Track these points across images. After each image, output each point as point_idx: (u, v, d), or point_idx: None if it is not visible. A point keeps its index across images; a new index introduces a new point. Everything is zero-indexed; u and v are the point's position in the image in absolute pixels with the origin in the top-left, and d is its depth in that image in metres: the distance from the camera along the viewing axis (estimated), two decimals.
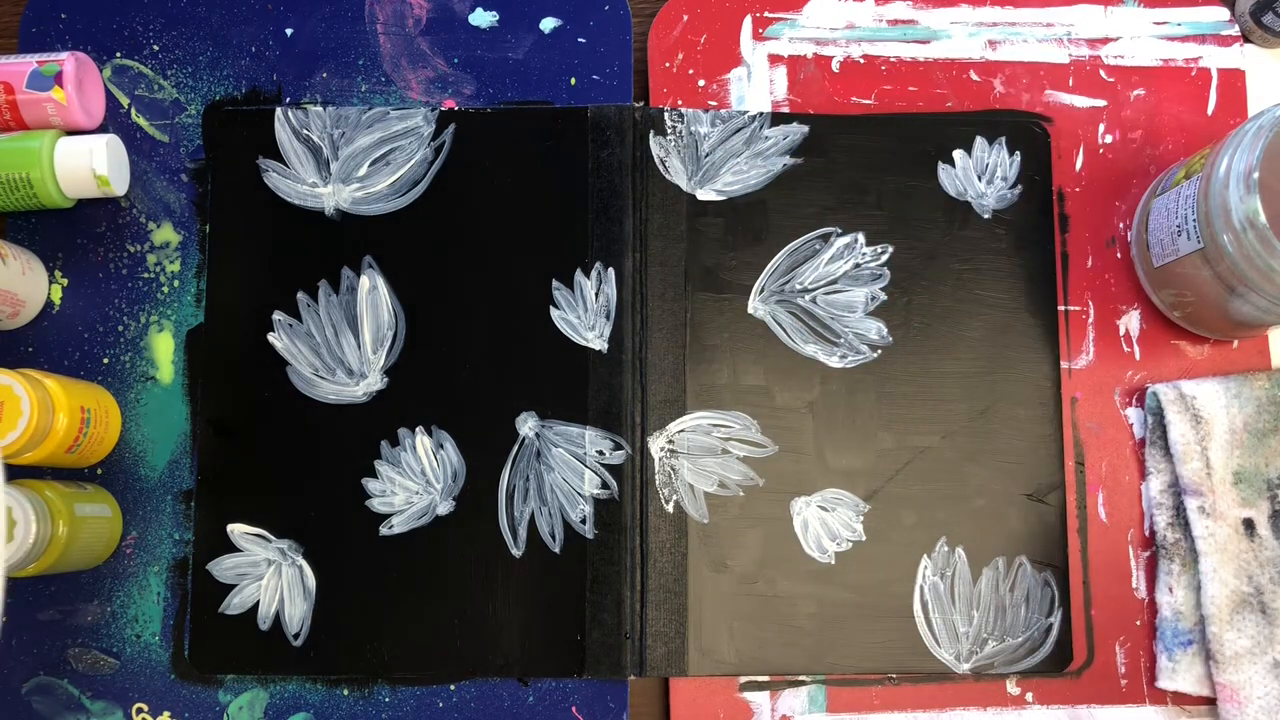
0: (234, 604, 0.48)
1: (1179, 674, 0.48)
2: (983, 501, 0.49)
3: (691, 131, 0.51)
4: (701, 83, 0.52)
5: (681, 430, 0.49)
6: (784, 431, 0.49)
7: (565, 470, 0.48)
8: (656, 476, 0.49)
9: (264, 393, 0.49)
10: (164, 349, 0.50)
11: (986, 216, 0.51)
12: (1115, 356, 0.51)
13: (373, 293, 0.50)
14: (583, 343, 0.49)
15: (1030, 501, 0.49)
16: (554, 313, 0.49)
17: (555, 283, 0.50)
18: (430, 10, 0.52)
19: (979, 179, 0.51)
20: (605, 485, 0.48)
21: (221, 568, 0.48)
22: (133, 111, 0.51)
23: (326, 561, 0.48)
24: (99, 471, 0.49)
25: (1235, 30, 0.53)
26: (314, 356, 0.49)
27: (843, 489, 0.49)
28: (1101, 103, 0.52)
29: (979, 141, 0.51)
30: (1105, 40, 0.53)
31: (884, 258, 0.51)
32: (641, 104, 0.52)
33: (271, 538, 0.48)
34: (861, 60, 0.52)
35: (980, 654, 0.48)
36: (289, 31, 0.52)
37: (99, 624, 0.48)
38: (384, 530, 0.48)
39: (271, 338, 0.49)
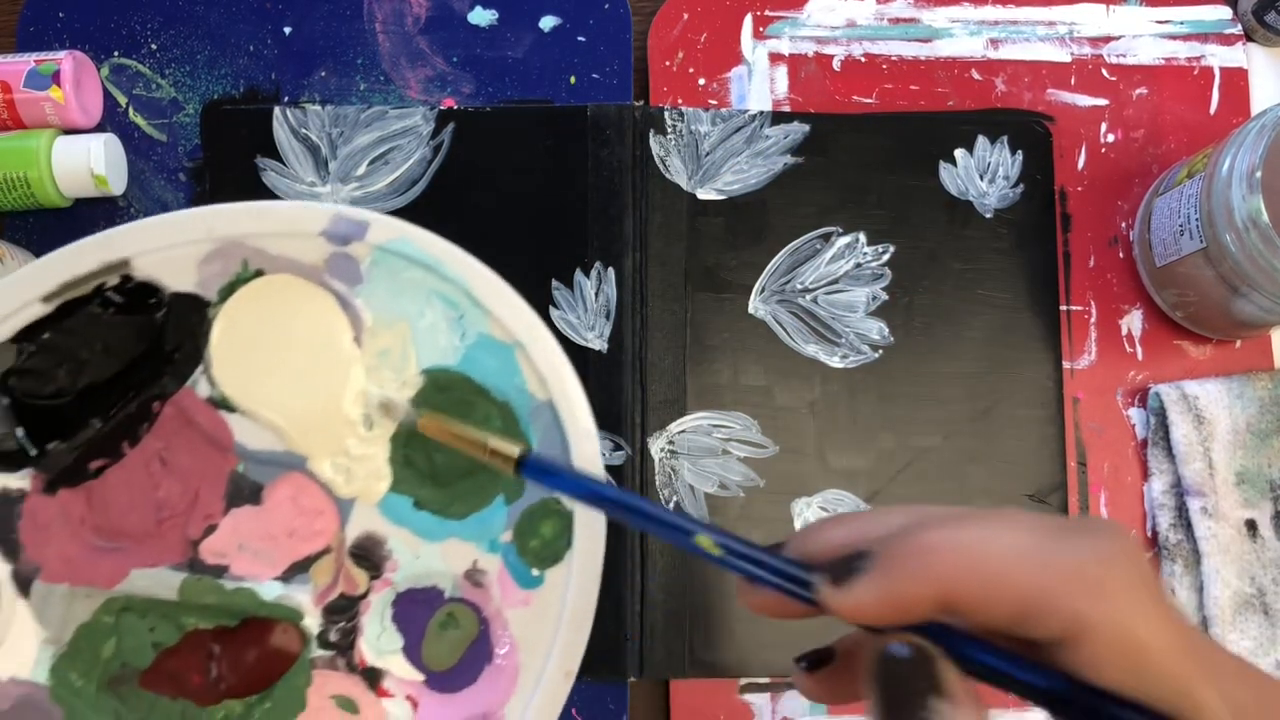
0: None
1: None
2: (984, 502, 0.49)
3: (692, 130, 0.51)
4: (702, 81, 0.52)
5: (682, 431, 0.49)
6: (785, 432, 0.49)
7: None
8: (657, 477, 0.48)
9: None
10: None
11: (988, 216, 0.51)
12: (1117, 357, 0.51)
13: None
14: (583, 343, 0.49)
15: (1032, 502, 0.49)
16: (554, 313, 0.49)
17: (555, 282, 0.49)
18: (429, 9, 0.52)
19: (980, 178, 0.51)
20: None
21: None
22: (130, 110, 0.51)
23: None
24: None
25: (1238, 29, 0.53)
26: None
27: (844, 490, 0.49)
28: (1104, 101, 0.52)
29: (981, 140, 0.51)
30: (1107, 39, 0.53)
31: (885, 257, 0.50)
32: (641, 103, 0.52)
33: None
34: (863, 59, 0.52)
35: None
36: (287, 30, 0.52)
37: None
38: None
39: None
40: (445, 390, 0.38)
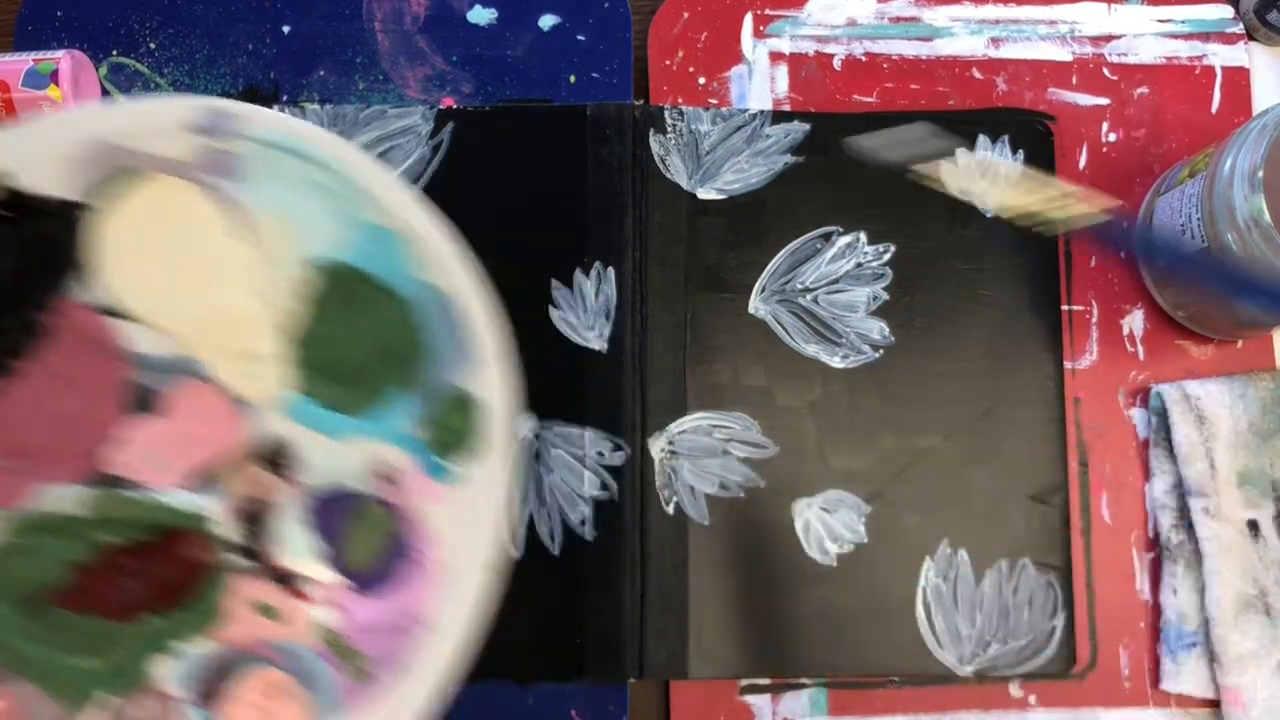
0: None
1: (1183, 676, 0.48)
2: (985, 503, 0.49)
3: (692, 130, 0.50)
4: (702, 80, 0.52)
5: (682, 431, 0.49)
6: (785, 432, 0.49)
7: (564, 471, 0.48)
8: (656, 478, 0.48)
9: None
10: None
11: (989, 215, 0.51)
12: (1118, 357, 0.51)
13: None
14: (582, 343, 0.49)
15: (1033, 503, 0.49)
16: (553, 313, 0.49)
17: (555, 282, 0.49)
18: (428, 8, 0.52)
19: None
20: (605, 487, 0.48)
21: None
22: None
23: None
24: None
25: (1239, 28, 0.53)
26: None
27: (845, 490, 0.49)
28: (1105, 101, 0.52)
29: (981, 140, 0.51)
30: (1109, 38, 0.53)
31: (886, 257, 0.50)
32: (641, 102, 0.51)
33: None
34: (863, 58, 0.52)
35: (983, 656, 0.48)
36: (286, 29, 0.52)
37: None
38: None
39: None
40: (336, 284, 0.38)
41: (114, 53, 0.51)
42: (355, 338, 0.38)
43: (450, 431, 0.38)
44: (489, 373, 0.38)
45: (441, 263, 0.37)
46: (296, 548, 0.38)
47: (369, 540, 0.39)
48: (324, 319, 0.38)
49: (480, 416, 0.38)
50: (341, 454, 0.38)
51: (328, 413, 0.38)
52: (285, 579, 0.38)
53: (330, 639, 0.38)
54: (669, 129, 0.50)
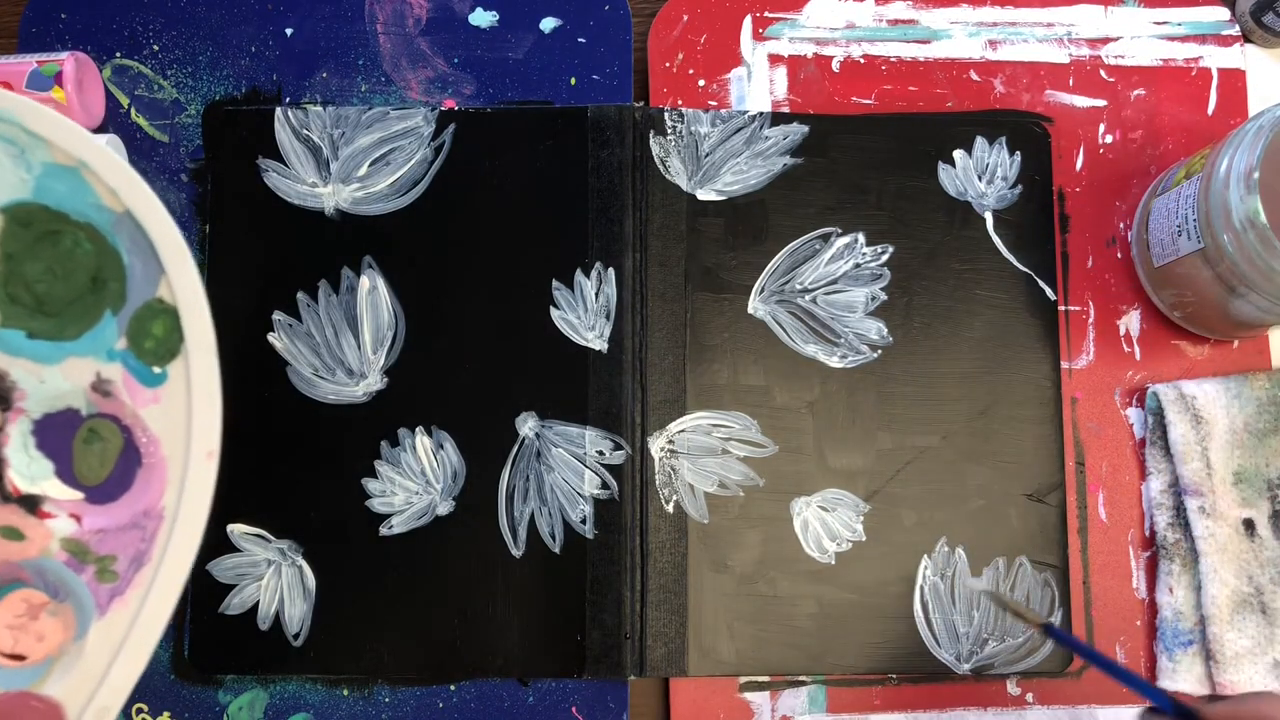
0: (234, 604, 0.48)
1: (1179, 674, 0.48)
2: (983, 502, 0.49)
3: (691, 131, 0.51)
4: (702, 83, 0.52)
5: (681, 430, 0.49)
6: (784, 432, 0.49)
7: (565, 470, 0.48)
8: (656, 476, 0.49)
9: (264, 393, 0.49)
10: None
11: (987, 217, 0.51)
12: (1115, 357, 0.51)
13: (373, 293, 0.50)
14: (583, 343, 0.49)
15: (1030, 502, 0.49)
16: (554, 313, 0.49)
17: (555, 283, 0.50)
18: (430, 10, 0.52)
19: (979, 179, 0.51)
20: (605, 485, 0.48)
21: (221, 568, 0.48)
22: (132, 111, 0.51)
23: (326, 561, 0.48)
24: None
25: (1235, 30, 0.53)
26: (314, 356, 0.49)
27: (843, 489, 0.49)
28: (1102, 103, 0.52)
29: (979, 141, 0.51)
30: (1105, 40, 0.53)
31: (884, 258, 0.51)
32: (641, 104, 0.52)
33: (271, 538, 0.48)
34: (862, 60, 0.52)
35: (980, 654, 0.48)
36: (289, 31, 0.52)
37: None
38: (384, 530, 0.48)
39: (271, 338, 0.49)
40: (28, 225, 0.40)
41: (117, 55, 0.52)
42: (64, 272, 0.40)
43: (154, 339, 0.40)
44: (176, 276, 0.39)
45: (120, 184, 0.39)
46: (31, 471, 0.40)
47: (99, 453, 0.41)
48: (30, 260, 0.40)
49: (176, 318, 0.39)
50: (57, 377, 0.41)
51: (41, 343, 0.40)
52: (24, 501, 0.40)
53: (73, 548, 0.39)
54: (669, 131, 0.51)
